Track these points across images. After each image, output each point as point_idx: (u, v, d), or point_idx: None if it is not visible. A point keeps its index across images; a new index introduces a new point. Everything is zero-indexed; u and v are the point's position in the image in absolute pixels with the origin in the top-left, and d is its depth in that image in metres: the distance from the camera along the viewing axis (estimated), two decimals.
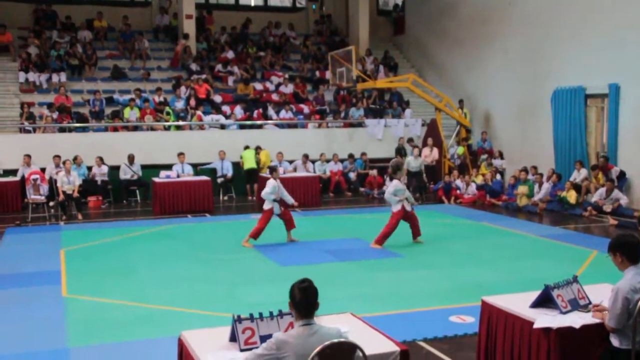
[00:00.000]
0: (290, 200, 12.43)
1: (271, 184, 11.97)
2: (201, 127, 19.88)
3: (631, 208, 14.88)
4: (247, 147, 18.97)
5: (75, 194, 15.55)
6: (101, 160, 17.55)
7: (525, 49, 19.49)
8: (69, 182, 15.53)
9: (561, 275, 6.20)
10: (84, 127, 18.83)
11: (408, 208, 11.80)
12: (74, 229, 13.79)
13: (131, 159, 17.80)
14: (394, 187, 11.78)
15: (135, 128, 19.29)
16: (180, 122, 19.74)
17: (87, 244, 12.16)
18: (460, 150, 20.16)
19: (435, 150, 19.62)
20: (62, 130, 18.58)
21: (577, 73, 17.51)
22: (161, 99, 20.51)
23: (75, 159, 17.15)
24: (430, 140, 19.77)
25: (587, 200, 15.73)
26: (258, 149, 19.00)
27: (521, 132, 19.81)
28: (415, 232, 12.04)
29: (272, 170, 12.31)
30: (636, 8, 15.85)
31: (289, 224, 12.26)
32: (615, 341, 4.79)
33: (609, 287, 5.84)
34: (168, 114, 19.76)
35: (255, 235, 11.88)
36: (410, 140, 20.42)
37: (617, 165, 16.21)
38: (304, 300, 4.05)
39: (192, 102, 20.65)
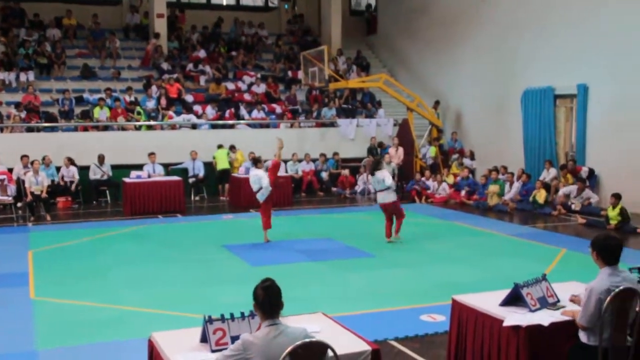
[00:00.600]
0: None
1: (260, 174, 12.04)
2: (172, 127, 19.73)
3: (599, 207, 15.10)
4: (220, 146, 18.87)
5: (44, 195, 15.34)
6: (70, 162, 17.32)
7: (496, 49, 19.68)
8: (37, 182, 15.31)
9: (530, 274, 6.27)
10: (52, 127, 18.58)
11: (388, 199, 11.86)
12: (42, 230, 13.61)
13: (101, 159, 17.61)
14: (387, 176, 11.81)
15: (106, 128, 19.08)
16: (152, 122, 19.57)
17: (56, 245, 12.01)
18: (433, 151, 20.29)
19: (401, 150, 19.73)
20: (30, 130, 18.31)
21: (547, 73, 17.73)
22: (132, 98, 20.32)
23: (43, 159, 16.93)
24: (395, 140, 19.87)
25: (556, 199, 15.92)
26: (232, 149, 18.92)
27: (492, 131, 20.00)
28: (397, 230, 12.09)
29: (257, 161, 12.39)
30: (604, 9, 16.09)
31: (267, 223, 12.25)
32: (583, 337, 4.86)
33: (577, 285, 5.93)
34: (139, 113, 19.59)
35: (266, 226, 12.08)
36: (381, 144, 20.42)
37: (585, 164, 16.44)
38: (267, 299, 4.05)
39: (163, 101, 20.49)
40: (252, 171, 12.32)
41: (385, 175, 11.85)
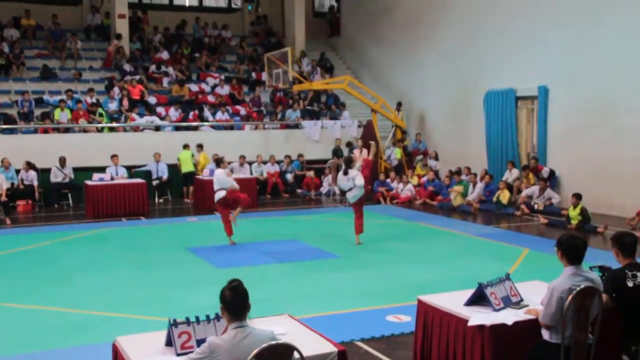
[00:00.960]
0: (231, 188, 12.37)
1: (223, 176, 12.00)
2: (135, 129, 19.54)
3: (560, 207, 15.35)
4: (185, 147, 18.66)
5: (3, 198, 15.06)
6: (29, 166, 17.00)
7: (458, 52, 19.89)
8: None
9: (494, 273, 6.34)
10: (11, 129, 18.25)
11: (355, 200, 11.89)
12: (2, 234, 13.35)
13: (62, 161, 17.36)
14: (359, 175, 11.85)
15: (67, 130, 18.81)
16: (114, 124, 19.36)
17: (16, 250, 11.80)
18: (398, 153, 20.41)
19: (365, 151, 19.77)
20: None
21: (508, 75, 17.97)
22: (93, 100, 20.06)
23: (2, 161, 16.62)
24: (359, 142, 19.95)
25: (518, 199, 16.13)
26: (199, 148, 18.75)
27: (455, 133, 20.20)
28: (360, 231, 12.12)
29: (220, 161, 12.33)
30: (562, 11, 16.37)
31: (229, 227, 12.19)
32: (546, 335, 4.93)
33: (540, 284, 6.02)
34: (101, 115, 19.36)
35: (228, 232, 12.02)
36: (349, 144, 20.49)
37: (546, 165, 16.70)
38: (234, 300, 4.03)
39: (126, 103, 20.28)
40: (215, 171, 12.25)
41: (357, 174, 11.93)
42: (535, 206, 15.46)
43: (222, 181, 11.94)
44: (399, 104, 21.77)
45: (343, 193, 12.32)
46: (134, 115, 19.72)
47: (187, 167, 18.46)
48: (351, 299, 8.48)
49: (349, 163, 12.08)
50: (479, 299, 5.43)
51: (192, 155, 18.60)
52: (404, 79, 22.61)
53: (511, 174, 17.11)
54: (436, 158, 20.45)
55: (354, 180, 11.79)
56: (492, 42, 18.57)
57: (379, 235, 12.95)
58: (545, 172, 16.38)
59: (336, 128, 21.19)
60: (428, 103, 21.48)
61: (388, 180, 18.66)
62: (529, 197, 15.74)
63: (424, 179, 18.64)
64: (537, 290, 5.65)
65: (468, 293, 5.52)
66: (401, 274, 9.79)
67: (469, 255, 11.08)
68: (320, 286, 9.16)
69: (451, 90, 20.22)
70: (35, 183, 17.03)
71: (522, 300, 5.50)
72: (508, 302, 5.41)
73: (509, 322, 5.06)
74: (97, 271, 10.16)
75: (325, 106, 22.92)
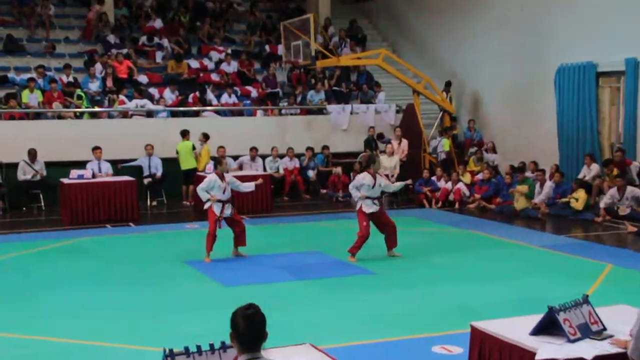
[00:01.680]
0: (248, 187, 12.41)
1: (208, 179, 12.05)
2: (123, 115, 19.66)
3: None
4: (185, 136, 18.69)
5: None
6: None
7: (524, 19, 19.73)
8: None
9: (568, 295, 6.28)
10: None
11: (371, 209, 11.83)
12: None
13: (32, 154, 17.52)
14: (359, 180, 11.88)
15: (38, 116, 18.96)
16: (96, 109, 19.48)
17: None
18: (446, 144, 20.33)
19: (404, 143, 19.75)
20: None
21: (587, 46, 17.75)
22: (70, 79, 20.21)
23: None
24: (398, 131, 19.88)
25: (599, 203, 15.94)
26: (203, 138, 18.73)
27: (518, 119, 20.05)
28: (390, 243, 12.09)
29: (218, 162, 12.37)
30: None
31: (238, 239, 12.21)
32: None
33: (627, 309, 5.94)
34: (79, 98, 19.49)
35: (208, 245, 11.98)
36: (380, 136, 20.47)
37: (636, 159, 16.49)
38: (249, 330, 4.01)
39: (110, 83, 20.40)
40: (209, 176, 12.23)
41: (356, 178, 12.00)
42: (619, 211, 15.27)
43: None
44: (448, 84, 21.68)
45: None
46: (121, 97, 19.83)
47: (187, 163, 18.52)
48: (388, 325, 8.43)
49: (370, 164, 12.07)
50: (548, 326, 5.38)
51: (193, 148, 18.66)
52: (453, 52, 22.49)
53: (590, 171, 16.95)
54: (494, 150, 20.32)
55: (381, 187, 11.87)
56: (565, 5, 18.39)
57: (423, 246, 12.88)
58: (635, 167, 16.17)
59: (369, 114, 21.15)
60: (484, 82, 21.35)
61: (433, 178, 18.59)
62: (614, 199, 15.43)
63: (479, 176, 18.53)
64: (624, 316, 5.57)
65: (535, 319, 5.47)
66: (451, 294, 9.74)
67: (535, 272, 10.98)
68: (350, 309, 9.13)
69: (513, 65, 20.05)
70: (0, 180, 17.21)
71: (604, 329, 5.44)
72: (587, 332, 5.35)
73: (589, 356, 5.00)
74: (74, 290, 10.21)
75: (356, 87, 22.87)
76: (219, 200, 11.94)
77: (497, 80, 20.71)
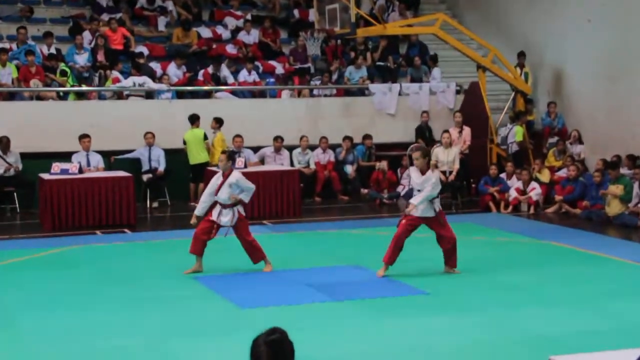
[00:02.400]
0: (247, 196, 12.38)
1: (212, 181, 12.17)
2: (118, 96, 19.77)
3: None
4: (194, 120, 18.73)
5: None
6: None
7: None
8: None
9: None
10: None
11: (429, 213, 11.78)
12: None
13: (5, 144, 17.69)
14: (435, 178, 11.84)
15: (11, 96, 19.12)
16: (84, 88, 19.59)
17: None
18: (519, 133, 20.19)
19: (467, 131, 19.63)
20: None
21: None
22: (52, 50, 20.35)
23: None
24: (458, 116, 19.77)
25: None
26: (216, 124, 18.78)
27: (611, 103, 19.92)
28: (448, 258, 12.00)
29: (230, 157, 12.40)
30: None
31: (253, 254, 12.19)
32: None
33: None
34: (64, 74, 19.60)
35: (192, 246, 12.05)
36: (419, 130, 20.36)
37: None
38: None
39: (102, 56, 20.51)
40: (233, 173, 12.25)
41: (433, 177, 11.89)
42: None
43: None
44: (522, 56, 21.53)
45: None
46: (115, 74, 19.93)
47: (196, 155, 18.60)
48: (446, 357, 8.41)
49: (425, 155, 12.01)
50: None
51: (205, 138, 18.69)
52: (529, 18, 22.36)
53: None
54: (580, 141, 20.15)
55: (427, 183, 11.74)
56: None
57: (488, 260, 12.82)
58: None
59: (422, 95, 21.10)
60: (567, 55, 21.20)
61: (503, 175, 18.48)
62: None
63: (561, 173, 18.39)
64: None
65: (633, 354, 5.40)
66: (524, 321, 9.67)
67: (633, 295, 10.86)
68: (400, 338, 9.09)
69: (606, 35, 19.91)
70: None
71: None
72: None
73: None
74: (58, 313, 10.22)
75: (406, 61, 22.81)
76: (220, 204, 12.00)
77: (586, 52, 20.53)
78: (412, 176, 11.90)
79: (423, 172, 11.83)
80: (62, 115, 18.75)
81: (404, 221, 11.81)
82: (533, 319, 9.74)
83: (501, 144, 20.28)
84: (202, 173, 18.12)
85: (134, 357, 8.56)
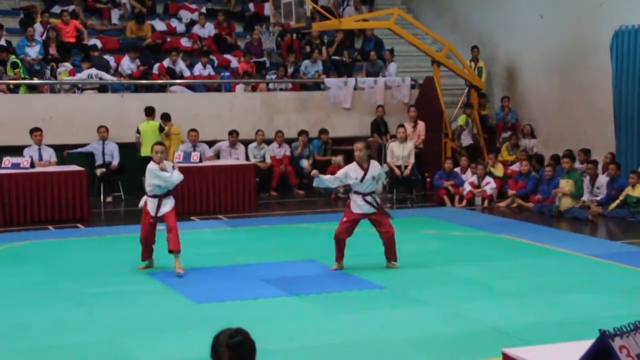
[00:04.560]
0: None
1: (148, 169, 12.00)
2: (80, 89, 19.62)
3: None
4: (150, 112, 18.65)
5: None
6: None
7: None
8: None
9: (625, 316, 6.27)
10: None
11: (360, 210, 11.82)
12: None
13: None
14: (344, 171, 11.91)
15: None
16: (36, 81, 19.44)
17: None
18: (462, 118, 20.29)
19: (421, 126, 19.73)
20: None
21: None
22: (2, 42, 20.17)
23: None
24: (413, 111, 19.84)
25: None
26: (165, 121, 18.75)
27: (563, 96, 20.07)
28: (388, 252, 12.02)
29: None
30: None
31: (170, 241, 11.89)
32: None
33: None
34: (15, 66, 19.45)
35: (142, 254, 12.00)
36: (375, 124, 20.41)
37: None
38: None
39: (53, 49, 20.36)
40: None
41: (377, 167, 11.98)
42: None
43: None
44: (475, 49, 21.63)
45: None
46: (67, 66, 19.77)
47: (150, 148, 18.50)
48: (401, 350, 8.45)
49: (367, 147, 12.03)
50: (600, 355, 5.37)
51: (161, 130, 18.60)
52: (482, 12, 22.48)
53: None
54: (532, 135, 20.31)
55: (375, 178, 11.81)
56: None
57: (442, 254, 12.88)
58: None
59: (378, 89, 21.15)
60: (520, 48, 21.34)
61: (457, 170, 18.59)
62: None
63: (514, 167, 18.52)
64: None
65: (584, 345, 5.44)
66: (477, 313, 9.73)
67: (584, 287, 10.99)
68: (354, 332, 9.12)
69: (558, 27, 20.05)
70: None
71: None
72: None
73: None
74: (9, 311, 10.14)
75: (362, 56, 22.85)
76: (155, 195, 11.89)
77: (538, 45, 20.68)
78: (349, 172, 11.86)
79: (363, 166, 11.82)
80: (13, 108, 18.59)
81: (344, 219, 11.87)
82: (486, 312, 9.80)
83: (455, 139, 20.39)
84: None
85: (87, 354, 8.50)
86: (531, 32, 20.83)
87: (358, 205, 11.80)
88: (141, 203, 12.10)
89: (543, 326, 9.05)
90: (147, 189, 11.96)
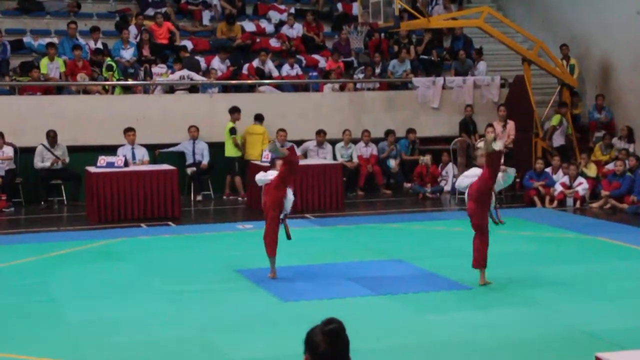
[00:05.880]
0: None
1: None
2: (169, 90, 19.83)
3: None
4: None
5: None
6: (2, 140, 17.49)
7: None
8: None
9: None
10: None
11: None
12: None
13: (52, 137, 17.77)
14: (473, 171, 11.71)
15: (59, 90, 19.25)
16: (130, 82, 19.68)
17: None
18: (556, 118, 19.99)
19: (511, 125, 19.50)
20: None
21: None
22: (99, 45, 20.47)
23: None
24: (502, 110, 19.63)
25: None
26: (258, 119, 18.90)
27: None
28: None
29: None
30: None
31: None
32: None
33: None
34: (110, 68, 19.71)
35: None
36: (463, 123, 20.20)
37: None
38: (332, 350, 3.96)
39: (147, 50, 20.60)
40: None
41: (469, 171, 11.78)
42: None
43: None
44: (564, 48, 21.30)
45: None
46: (159, 68, 19.99)
47: (228, 148, 18.70)
48: (490, 353, 8.38)
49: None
50: None
51: (232, 133, 18.54)
52: (575, 9, 22.15)
53: None
54: (629, 136, 19.90)
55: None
56: None
57: (533, 255, 12.73)
58: None
59: (466, 89, 20.98)
60: (615, 45, 20.96)
61: (548, 170, 18.33)
62: None
63: (609, 167, 18.20)
64: None
65: None
66: (568, 317, 9.61)
67: None
68: (442, 333, 9.07)
69: None
70: (14, 165, 17.49)
71: None
72: None
73: None
74: (104, 305, 10.30)
75: (451, 55, 22.69)
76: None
77: (635, 44, 20.28)
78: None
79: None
80: (107, 109, 18.86)
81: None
82: (579, 315, 9.66)
83: (546, 139, 20.09)
84: (233, 166, 18.57)
85: (179, 350, 8.60)
86: (627, 28, 20.43)
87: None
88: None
89: (638, 331, 8.88)
90: None
